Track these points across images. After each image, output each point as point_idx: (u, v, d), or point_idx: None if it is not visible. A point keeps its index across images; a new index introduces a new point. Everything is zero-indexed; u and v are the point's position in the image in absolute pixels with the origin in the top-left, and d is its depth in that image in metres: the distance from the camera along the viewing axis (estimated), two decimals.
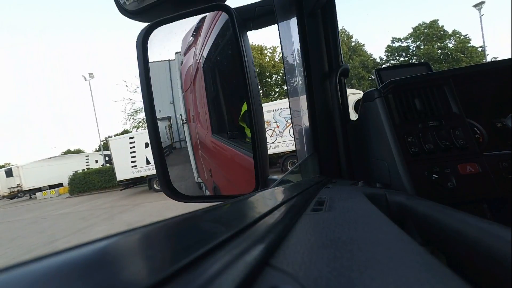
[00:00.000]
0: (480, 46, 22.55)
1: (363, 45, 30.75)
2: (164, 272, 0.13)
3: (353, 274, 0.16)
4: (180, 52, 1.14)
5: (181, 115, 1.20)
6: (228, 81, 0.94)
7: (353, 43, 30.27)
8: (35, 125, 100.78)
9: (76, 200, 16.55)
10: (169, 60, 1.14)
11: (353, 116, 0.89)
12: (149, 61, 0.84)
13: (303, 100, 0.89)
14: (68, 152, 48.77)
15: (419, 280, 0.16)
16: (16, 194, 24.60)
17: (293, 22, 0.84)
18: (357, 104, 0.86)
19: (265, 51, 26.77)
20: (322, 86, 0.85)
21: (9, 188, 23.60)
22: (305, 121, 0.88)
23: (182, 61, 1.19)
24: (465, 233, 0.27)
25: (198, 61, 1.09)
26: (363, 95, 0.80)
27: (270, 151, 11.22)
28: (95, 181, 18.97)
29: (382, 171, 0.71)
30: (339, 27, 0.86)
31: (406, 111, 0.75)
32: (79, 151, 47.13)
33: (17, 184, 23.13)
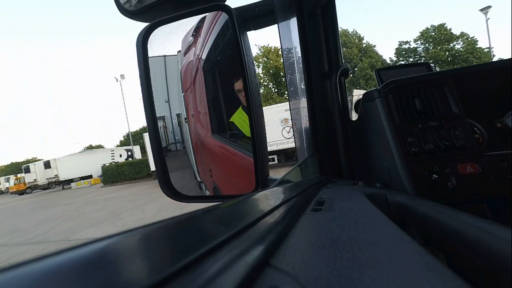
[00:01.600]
0: (487, 48, 23.62)
1: (374, 46, 31.35)
2: (164, 272, 0.13)
3: (353, 274, 0.16)
4: (180, 51, 1.14)
5: (177, 114, 1.15)
6: (228, 81, 0.94)
7: (364, 45, 30.84)
8: (60, 122, 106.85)
9: (113, 189, 17.99)
10: (164, 56, 1.08)
11: (353, 116, 0.89)
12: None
13: (303, 100, 0.89)
14: (90, 147, 52.25)
15: (419, 280, 0.16)
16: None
17: (293, 22, 0.84)
18: (357, 104, 0.86)
19: (280, 53, 27.39)
20: (322, 86, 0.85)
21: (47, 179, 26.41)
22: (305, 121, 0.88)
23: (182, 61, 1.18)
24: (465, 233, 0.27)
25: (198, 61, 1.09)
26: (363, 95, 0.80)
27: (288, 145, 12.86)
28: (126, 172, 21.04)
29: (382, 171, 0.71)
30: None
31: (406, 111, 0.75)
32: (99, 147, 49.96)
33: (55, 175, 25.92)
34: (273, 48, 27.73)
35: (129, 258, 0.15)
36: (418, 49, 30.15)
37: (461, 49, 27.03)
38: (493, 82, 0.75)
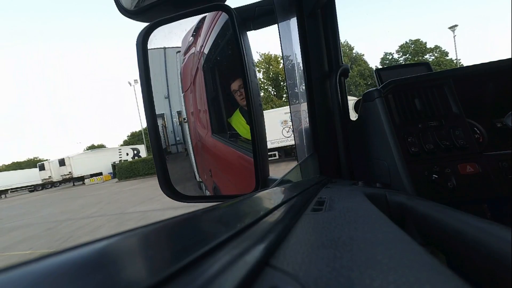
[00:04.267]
0: (455, 59, 28.51)
1: (363, 55, 34.88)
2: (164, 272, 0.13)
3: (353, 274, 0.16)
4: (180, 51, 1.13)
5: (177, 112, 1.11)
6: (228, 81, 0.94)
7: (354, 54, 33.89)
8: (61, 121, 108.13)
9: (130, 183, 19.05)
10: (164, 48, 1.02)
11: (353, 116, 0.89)
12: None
13: (303, 100, 0.89)
14: (92, 146, 53.80)
15: (419, 280, 0.16)
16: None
17: (293, 22, 0.84)
18: (357, 104, 0.86)
19: (280, 60, 29.78)
20: (322, 86, 0.85)
21: (61, 175, 28.33)
22: (305, 122, 0.88)
23: (182, 61, 1.17)
24: (465, 233, 0.27)
25: (198, 61, 1.09)
26: (363, 95, 0.80)
27: (287, 143, 15.07)
28: (139, 168, 22.93)
29: (382, 171, 0.71)
30: (340, 30, 0.86)
31: (406, 111, 0.75)
32: (101, 146, 51.56)
33: (69, 172, 27.89)
34: (273, 55, 30.15)
35: (129, 258, 0.15)
36: (399, 59, 34.43)
37: (434, 60, 31.03)
38: (493, 82, 0.75)
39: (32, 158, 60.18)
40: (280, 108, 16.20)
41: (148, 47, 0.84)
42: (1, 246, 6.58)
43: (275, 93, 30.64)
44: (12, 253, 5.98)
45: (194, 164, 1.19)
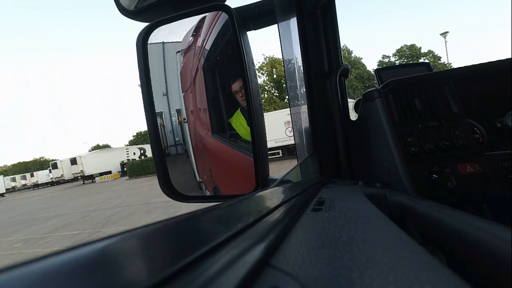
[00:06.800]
0: (447, 63, 30.22)
1: (361, 58, 36.24)
2: (164, 272, 0.13)
3: (353, 274, 0.16)
4: (180, 52, 1.13)
5: (176, 110, 1.08)
6: (228, 81, 0.94)
7: (352, 58, 35.10)
8: (66, 123, 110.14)
9: (141, 180, 19.63)
10: (163, 43, 0.98)
11: (353, 116, 0.89)
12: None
13: (303, 100, 0.89)
14: (97, 146, 55.13)
15: (419, 280, 0.16)
16: None
17: (293, 22, 0.84)
18: (357, 104, 0.86)
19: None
20: (322, 86, 0.85)
21: (73, 174, 29.84)
22: (305, 122, 0.88)
23: (182, 61, 1.17)
24: (465, 233, 0.27)
25: (198, 61, 1.09)
26: (363, 95, 0.80)
27: (290, 142, 15.38)
28: (149, 166, 23.83)
29: (382, 171, 0.71)
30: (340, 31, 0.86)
31: (406, 111, 0.75)
32: (106, 146, 53.19)
33: (80, 171, 29.30)
34: (277, 58, 30.71)
35: (129, 258, 0.15)
36: (396, 63, 35.66)
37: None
38: (493, 82, 0.75)
39: (38, 158, 60.87)
40: (283, 110, 16.93)
41: (148, 48, 0.84)
42: (47, 230, 7.01)
43: (277, 94, 31.24)
44: (62, 233, 6.35)
45: (194, 164, 1.19)
